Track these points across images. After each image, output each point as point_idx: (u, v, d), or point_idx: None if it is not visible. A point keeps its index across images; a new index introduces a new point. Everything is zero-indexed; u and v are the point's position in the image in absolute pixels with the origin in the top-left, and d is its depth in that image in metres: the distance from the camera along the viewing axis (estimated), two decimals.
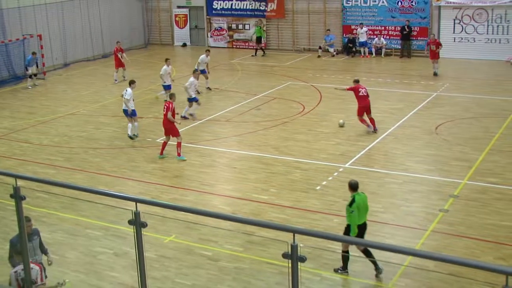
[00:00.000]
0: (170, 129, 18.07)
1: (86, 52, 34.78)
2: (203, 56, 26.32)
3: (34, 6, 31.47)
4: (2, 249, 12.88)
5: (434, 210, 14.01)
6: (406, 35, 31.66)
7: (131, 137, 19.82)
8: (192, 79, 21.85)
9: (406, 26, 31.49)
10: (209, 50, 27.33)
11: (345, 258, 11.41)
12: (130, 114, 19.78)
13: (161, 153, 18.21)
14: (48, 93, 27.71)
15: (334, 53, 33.21)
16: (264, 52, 34.77)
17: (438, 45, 27.84)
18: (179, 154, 17.96)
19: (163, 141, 18.42)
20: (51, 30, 32.53)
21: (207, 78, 26.10)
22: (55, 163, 18.20)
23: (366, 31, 32.38)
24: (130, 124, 19.86)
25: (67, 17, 33.41)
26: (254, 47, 35.18)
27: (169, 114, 17.81)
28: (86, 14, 34.64)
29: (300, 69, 30.11)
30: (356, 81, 20.20)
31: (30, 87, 28.51)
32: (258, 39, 35.06)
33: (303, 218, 13.84)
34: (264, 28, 35.80)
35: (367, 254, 11.34)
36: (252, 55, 34.54)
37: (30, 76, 28.73)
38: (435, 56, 27.80)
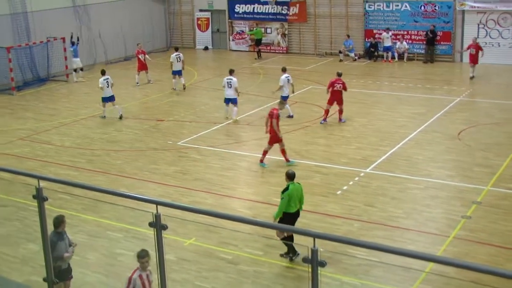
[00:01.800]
0: (275, 137, 17.28)
1: (108, 55, 35.01)
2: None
3: (59, 9, 31.80)
4: (24, 249, 13.02)
5: (456, 217, 13.87)
6: (430, 40, 31.34)
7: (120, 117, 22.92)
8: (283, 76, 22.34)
9: (430, 31, 31.19)
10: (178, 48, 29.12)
11: (288, 244, 11.93)
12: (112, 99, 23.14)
13: (261, 161, 17.53)
14: (71, 95, 27.95)
15: (356, 57, 33.09)
16: (259, 55, 35.06)
17: (479, 49, 27.57)
18: (287, 160, 17.31)
19: (264, 149, 17.58)
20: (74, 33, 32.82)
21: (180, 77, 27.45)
22: (77, 165, 18.33)
23: (391, 36, 32.14)
24: (117, 106, 23.16)
25: (90, 20, 33.70)
26: (255, 50, 35.48)
27: (274, 122, 17.09)
28: (108, 17, 34.90)
29: (322, 73, 30.03)
30: (339, 74, 21.51)
31: (80, 79, 30.38)
32: (258, 41, 35.32)
33: (323, 223, 13.78)
34: (286, 32, 35.84)
35: (290, 239, 11.84)
36: (256, 58, 34.77)
37: (75, 70, 30.29)
38: (474, 60, 27.61)
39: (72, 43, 30.24)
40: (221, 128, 21.53)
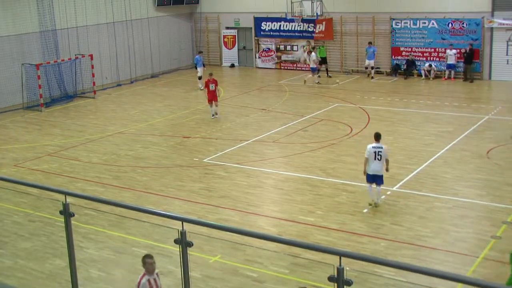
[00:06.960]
0: None
1: (135, 72, 35.34)
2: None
3: (86, 27, 32.29)
4: (51, 264, 13.09)
5: (486, 237, 13.63)
6: (468, 58, 30.81)
7: None
8: None
9: (468, 49, 30.64)
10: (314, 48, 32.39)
11: None
12: None
13: None
14: (98, 112, 28.22)
15: (372, 67, 32.63)
16: (327, 73, 33.88)
17: None
18: None
19: None
20: (102, 50, 33.30)
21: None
22: (103, 181, 18.45)
23: (455, 54, 31.35)
24: None
25: (117, 38, 34.15)
26: (320, 69, 33.29)
27: None
28: (135, 35, 35.28)
29: (348, 91, 29.94)
30: None
31: (201, 88, 30.33)
32: (323, 60, 33.92)
33: (349, 241, 13.65)
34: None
35: None
36: (330, 76, 33.46)
37: (200, 78, 31.43)
38: None
39: (199, 52, 33.19)
40: (247, 146, 21.53)
